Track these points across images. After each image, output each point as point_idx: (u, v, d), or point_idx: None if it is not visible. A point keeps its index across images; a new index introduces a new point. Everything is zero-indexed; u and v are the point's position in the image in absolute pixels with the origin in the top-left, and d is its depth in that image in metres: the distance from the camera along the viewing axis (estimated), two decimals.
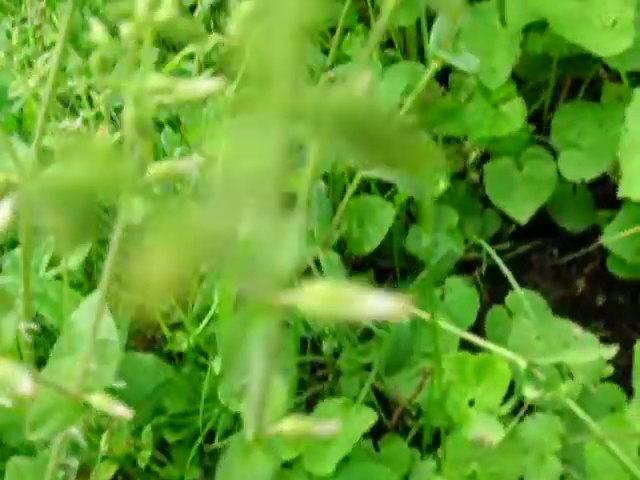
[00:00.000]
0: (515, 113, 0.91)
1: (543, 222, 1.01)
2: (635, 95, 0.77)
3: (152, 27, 0.26)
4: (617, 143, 0.84)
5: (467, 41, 0.93)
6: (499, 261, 0.91)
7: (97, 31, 0.32)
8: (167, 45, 1.19)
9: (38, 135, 0.45)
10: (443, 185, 0.95)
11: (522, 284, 1.03)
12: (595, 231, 1.01)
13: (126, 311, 0.98)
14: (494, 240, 1.03)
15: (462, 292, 0.91)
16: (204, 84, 0.27)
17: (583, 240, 1.02)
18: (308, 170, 0.48)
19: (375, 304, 0.25)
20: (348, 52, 0.97)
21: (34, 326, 0.60)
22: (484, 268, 1.00)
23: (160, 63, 1.04)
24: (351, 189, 0.84)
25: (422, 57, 1.01)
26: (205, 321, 0.88)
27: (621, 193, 0.73)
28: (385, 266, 0.99)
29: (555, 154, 0.98)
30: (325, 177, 0.90)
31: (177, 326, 0.99)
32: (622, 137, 0.75)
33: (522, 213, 0.96)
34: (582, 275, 1.02)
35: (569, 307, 1.00)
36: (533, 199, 0.96)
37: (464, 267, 1.00)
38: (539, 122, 1.05)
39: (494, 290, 1.00)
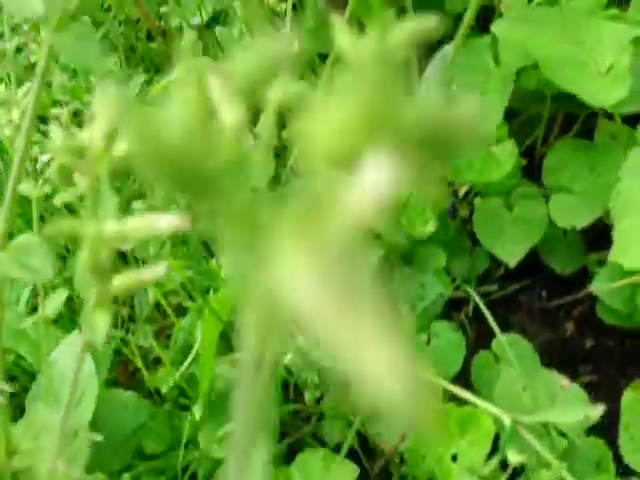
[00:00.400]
0: (506, 155, 0.89)
1: (532, 262, 0.99)
2: (629, 155, 0.76)
3: (109, 162, 0.24)
4: (610, 191, 0.83)
5: (460, 78, 0.91)
6: (484, 308, 0.89)
7: (56, 136, 0.30)
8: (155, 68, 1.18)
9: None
10: (431, 227, 0.93)
11: (510, 325, 1.02)
12: (585, 273, 1.00)
13: (108, 344, 0.96)
14: (483, 278, 1.02)
15: (448, 337, 0.89)
16: (164, 221, 0.25)
17: (573, 282, 1.01)
18: None
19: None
20: None
21: (8, 388, 0.58)
22: (471, 308, 0.99)
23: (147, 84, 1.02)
24: None
25: None
26: (186, 363, 0.87)
27: (611, 257, 0.72)
28: None
29: (546, 191, 0.97)
30: None
31: (159, 361, 0.97)
32: (615, 197, 0.74)
33: (511, 255, 0.95)
34: (571, 318, 1.01)
35: (557, 350, 0.99)
36: (523, 241, 0.95)
37: (452, 305, 0.98)
38: (531, 156, 1.04)
39: (482, 329, 0.99)
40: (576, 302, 1.01)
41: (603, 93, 0.78)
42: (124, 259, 0.89)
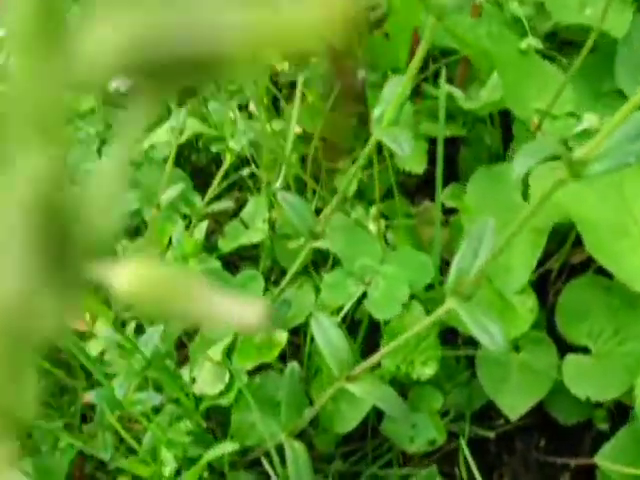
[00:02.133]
0: (526, 310, 0.81)
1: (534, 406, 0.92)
2: None
3: None
4: (636, 363, 0.75)
5: (478, 209, 0.83)
6: (474, 467, 0.82)
7: None
8: None
9: None
10: (432, 370, 0.85)
11: (505, 465, 0.94)
12: (588, 426, 0.93)
13: (66, 453, 0.88)
14: (481, 414, 0.94)
15: None
16: None
17: (574, 433, 0.93)
18: None
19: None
20: None
21: None
22: (462, 459, 0.91)
23: None
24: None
25: None
26: None
27: None
28: (354, 448, 0.90)
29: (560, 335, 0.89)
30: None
31: (121, 472, 0.89)
32: None
33: (513, 409, 0.87)
34: (568, 470, 0.94)
35: None
36: (528, 393, 0.87)
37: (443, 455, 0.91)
38: (543, 287, 0.96)
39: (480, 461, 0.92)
40: (576, 454, 0.94)
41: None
42: None
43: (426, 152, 0.88)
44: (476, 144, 1.06)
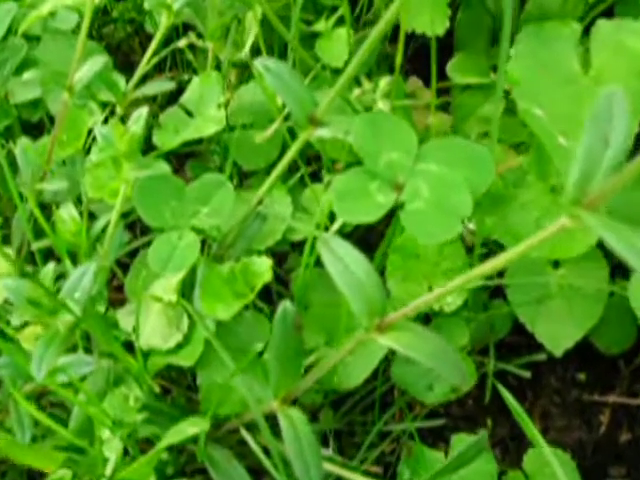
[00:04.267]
0: None
1: None
2: None
3: None
4: None
5: (528, 81, 0.61)
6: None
7: None
8: None
9: None
10: (459, 299, 0.64)
11: (534, 404, 0.76)
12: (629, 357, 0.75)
13: None
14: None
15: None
16: None
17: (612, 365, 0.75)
18: None
19: None
20: None
21: None
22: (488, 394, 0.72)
23: None
24: None
25: None
26: None
27: None
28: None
29: None
30: None
31: None
32: None
33: (556, 341, 0.68)
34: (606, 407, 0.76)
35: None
36: (574, 322, 0.68)
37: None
38: None
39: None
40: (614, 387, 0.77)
41: None
42: None
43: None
44: (477, 6, 0.83)
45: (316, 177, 0.78)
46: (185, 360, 0.59)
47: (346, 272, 0.48)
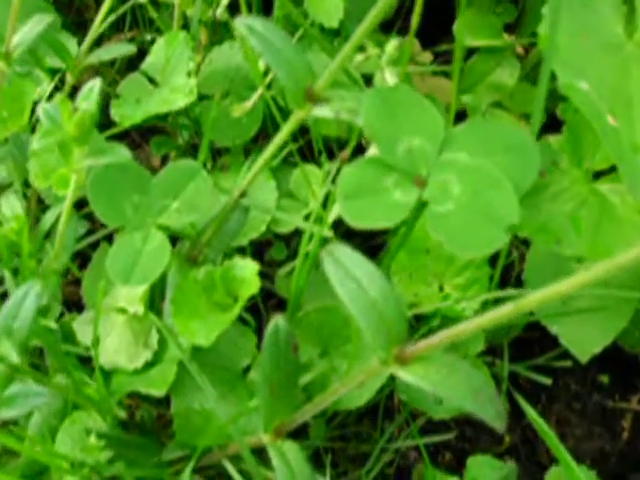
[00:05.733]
0: None
1: None
2: None
3: None
4: None
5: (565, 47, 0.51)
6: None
7: None
8: None
9: None
10: (476, 304, 0.55)
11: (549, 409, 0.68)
12: None
13: None
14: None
15: None
16: None
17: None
18: None
19: None
20: None
21: None
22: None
23: None
24: None
25: None
26: None
27: None
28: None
29: None
30: None
31: None
32: None
33: (583, 347, 0.59)
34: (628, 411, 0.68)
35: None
36: (601, 325, 0.59)
37: None
38: None
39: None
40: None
41: None
42: None
43: None
44: None
45: (305, 156, 0.68)
46: (156, 385, 0.49)
47: (358, 292, 0.38)
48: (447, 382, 0.38)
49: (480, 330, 0.57)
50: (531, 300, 0.33)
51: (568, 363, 0.62)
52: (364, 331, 0.38)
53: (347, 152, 0.48)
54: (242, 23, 0.42)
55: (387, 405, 0.67)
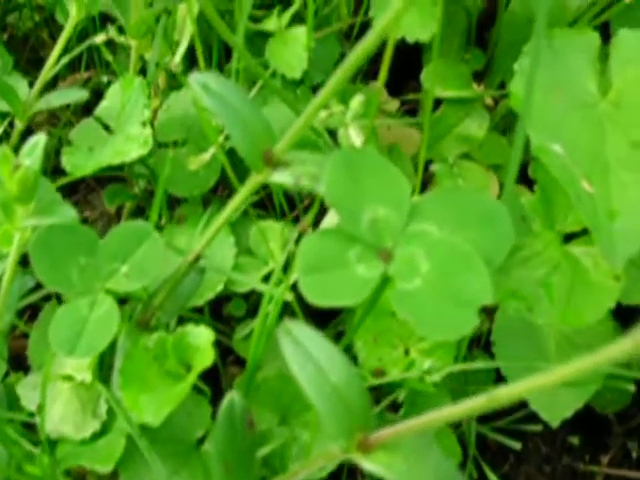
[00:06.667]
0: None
1: None
2: None
3: None
4: None
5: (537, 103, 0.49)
6: None
7: None
8: None
9: None
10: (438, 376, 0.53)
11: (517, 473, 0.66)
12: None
13: None
14: None
15: None
16: None
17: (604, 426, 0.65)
18: None
19: None
20: None
21: None
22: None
23: None
24: None
25: None
26: None
27: None
28: None
29: None
30: None
31: None
32: None
33: (553, 411, 0.57)
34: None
35: None
36: (573, 389, 0.57)
37: None
38: None
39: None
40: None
41: None
42: None
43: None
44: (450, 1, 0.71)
45: (264, 207, 0.65)
46: (103, 461, 0.46)
47: (318, 376, 0.35)
48: (413, 472, 0.35)
49: (446, 396, 0.55)
50: (504, 394, 0.31)
51: (538, 427, 0.59)
52: (323, 419, 0.35)
53: (306, 223, 0.45)
54: (196, 80, 0.39)
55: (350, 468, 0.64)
